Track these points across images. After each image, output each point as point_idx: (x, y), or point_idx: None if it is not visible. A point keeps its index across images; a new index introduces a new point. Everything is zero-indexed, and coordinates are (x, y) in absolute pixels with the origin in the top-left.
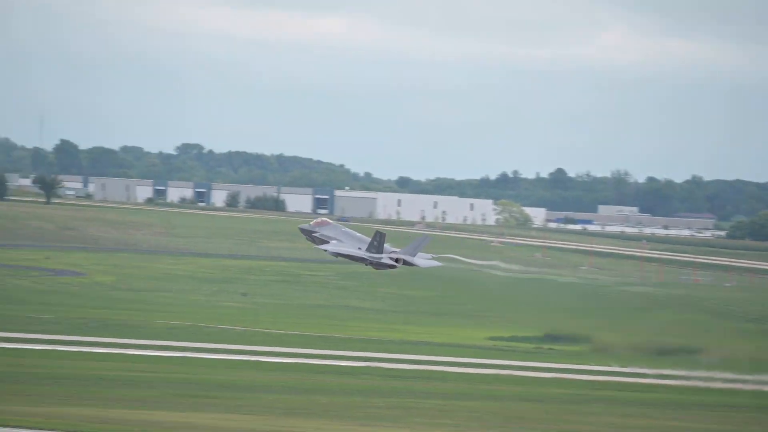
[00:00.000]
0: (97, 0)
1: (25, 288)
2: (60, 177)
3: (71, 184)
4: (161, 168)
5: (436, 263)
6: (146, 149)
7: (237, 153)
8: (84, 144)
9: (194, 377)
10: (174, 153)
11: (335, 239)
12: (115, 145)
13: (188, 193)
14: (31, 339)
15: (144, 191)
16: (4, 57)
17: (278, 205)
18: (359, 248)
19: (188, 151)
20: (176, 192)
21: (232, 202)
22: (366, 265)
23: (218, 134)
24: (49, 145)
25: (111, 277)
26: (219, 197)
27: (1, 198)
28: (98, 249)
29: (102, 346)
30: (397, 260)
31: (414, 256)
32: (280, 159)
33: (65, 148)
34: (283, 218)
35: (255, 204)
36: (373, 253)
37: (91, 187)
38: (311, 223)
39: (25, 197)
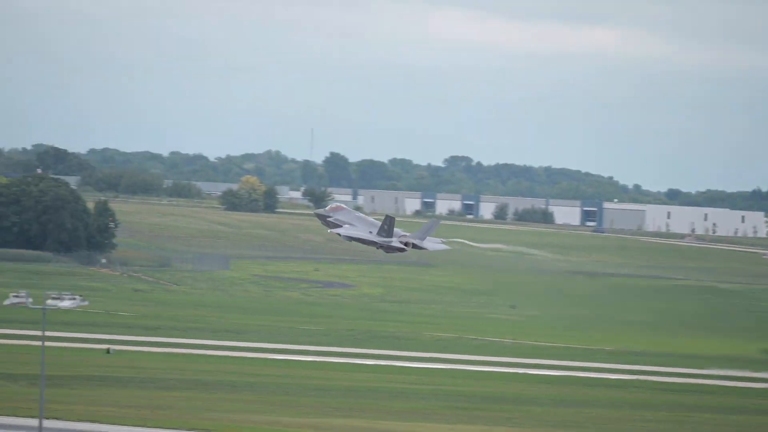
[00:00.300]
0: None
1: (295, 300)
2: (329, 189)
3: (340, 197)
4: (429, 180)
5: (444, 246)
6: (415, 162)
7: (505, 165)
8: (353, 157)
9: (462, 389)
10: (442, 165)
11: (348, 223)
12: (384, 157)
13: (456, 205)
14: (300, 350)
15: (412, 203)
16: (292, 75)
17: (546, 218)
18: (370, 232)
19: (457, 164)
20: (444, 204)
21: (500, 214)
22: (377, 248)
23: (486, 147)
24: (319, 157)
25: (379, 289)
26: (487, 209)
27: (271, 210)
28: (367, 261)
29: (370, 357)
30: (406, 244)
31: (423, 240)
32: (548, 171)
33: (335, 161)
34: (551, 231)
35: (523, 216)
36: (383, 236)
37: (360, 200)
38: (326, 208)
39: (295, 210)
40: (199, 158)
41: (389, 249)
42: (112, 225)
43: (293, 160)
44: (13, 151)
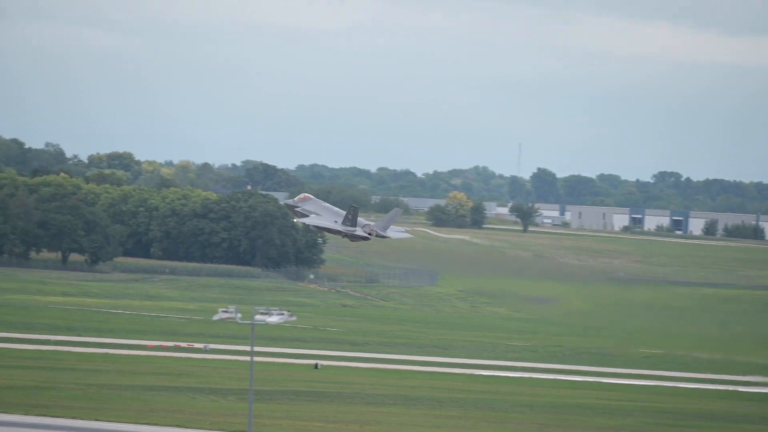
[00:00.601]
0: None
1: (502, 316)
2: (537, 205)
3: (548, 213)
4: (638, 196)
5: (407, 235)
6: (623, 177)
7: (715, 181)
8: (561, 172)
9: (670, 406)
10: (651, 181)
11: (314, 213)
12: (591, 173)
13: (665, 221)
14: (506, 366)
15: (620, 219)
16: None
17: (757, 234)
18: (336, 221)
19: (665, 179)
20: (653, 220)
21: (709, 230)
22: (342, 237)
23: (696, 162)
24: (526, 173)
25: (585, 305)
26: (696, 225)
27: (478, 226)
28: (573, 277)
29: (577, 374)
30: (370, 233)
31: (386, 229)
32: (759, 186)
33: (542, 177)
34: (762, 247)
35: (733, 232)
36: (347, 226)
37: (568, 215)
38: (295, 198)
39: (503, 225)
40: (407, 174)
41: (353, 237)
42: (320, 241)
43: (500, 176)
44: (222, 167)
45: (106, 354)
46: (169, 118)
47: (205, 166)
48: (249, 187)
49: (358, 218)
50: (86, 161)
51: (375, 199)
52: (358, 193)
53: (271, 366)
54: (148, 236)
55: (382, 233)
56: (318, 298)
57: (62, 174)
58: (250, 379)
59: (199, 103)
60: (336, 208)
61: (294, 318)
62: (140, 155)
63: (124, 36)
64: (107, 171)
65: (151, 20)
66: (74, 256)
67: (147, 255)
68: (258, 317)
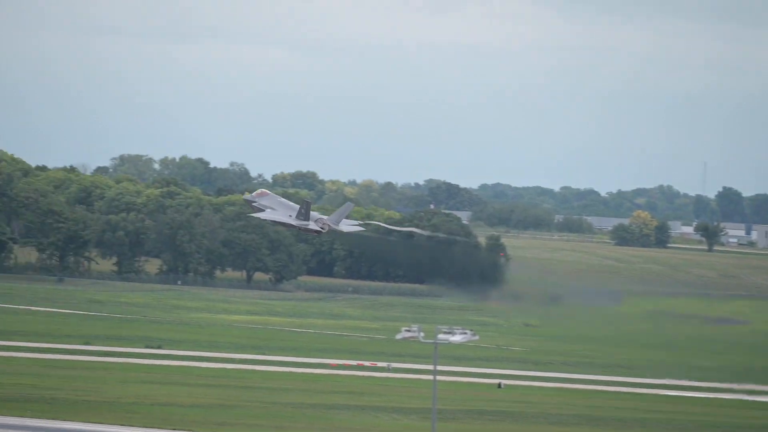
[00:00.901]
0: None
1: (686, 336)
2: (722, 224)
3: (733, 232)
4: None
5: (359, 228)
6: None
7: None
8: (747, 191)
9: None
10: None
11: (270, 208)
12: None
13: None
14: (692, 387)
15: None
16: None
17: None
18: (290, 216)
19: None
20: None
21: None
22: (297, 231)
23: None
24: (711, 192)
25: None
26: None
27: (663, 246)
28: (762, 296)
29: (765, 395)
30: (322, 226)
31: (338, 223)
32: None
33: (728, 196)
34: None
35: None
36: (301, 220)
37: (754, 235)
38: (253, 194)
39: (687, 245)
40: (590, 193)
41: (307, 231)
42: (503, 260)
43: (685, 195)
44: (405, 186)
45: (290, 372)
46: (353, 138)
47: (388, 186)
48: (432, 206)
49: (312, 213)
50: (270, 180)
51: (558, 218)
52: (542, 213)
53: (454, 385)
54: (332, 255)
55: (335, 227)
56: (501, 318)
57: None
58: (432, 398)
59: (383, 122)
60: (292, 204)
61: (477, 337)
62: (324, 174)
63: (311, 55)
64: (291, 190)
65: (346, 41)
66: (259, 275)
67: (330, 274)
68: (441, 336)
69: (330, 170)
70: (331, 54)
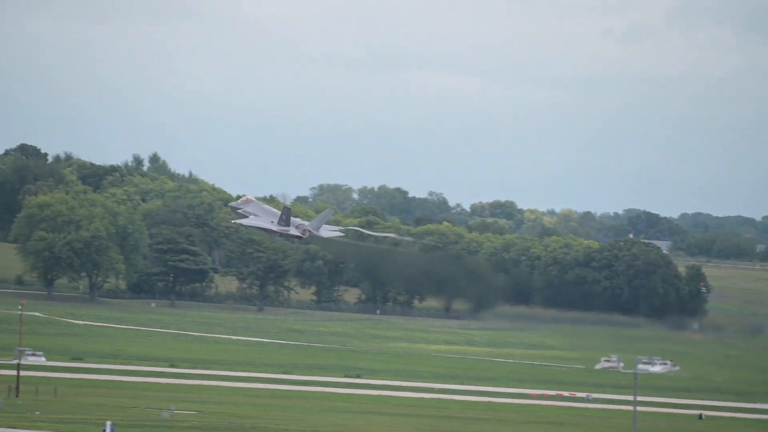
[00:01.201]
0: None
1: None
2: None
3: None
4: None
5: (339, 234)
6: None
7: None
8: None
9: None
10: None
11: (253, 214)
12: None
13: None
14: None
15: None
16: None
17: None
18: (272, 222)
19: None
20: None
21: None
22: (279, 236)
23: None
24: None
25: None
26: None
27: None
28: None
29: None
30: (303, 232)
31: (318, 228)
32: None
33: None
34: None
35: None
36: (282, 226)
37: None
38: (238, 201)
39: None
40: None
41: (288, 237)
42: (704, 290)
43: None
44: (604, 215)
45: (489, 402)
46: (552, 167)
47: (587, 215)
48: (631, 236)
49: (293, 219)
50: (469, 210)
51: (760, 248)
52: (743, 242)
53: (653, 416)
54: (530, 285)
55: (315, 232)
56: (702, 348)
57: (445, 223)
58: (633, 429)
59: (581, 151)
60: (275, 210)
61: (677, 368)
62: (522, 204)
63: (509, 84)
64: (490, 220)
65: (545, 71)
66: (457, 305)
67: (529, 303)
68: (641, 367)
69: (529, 199)
70: (523, 83)
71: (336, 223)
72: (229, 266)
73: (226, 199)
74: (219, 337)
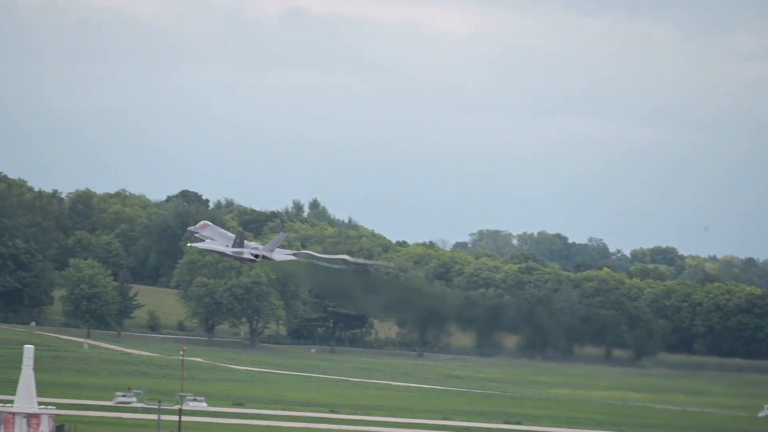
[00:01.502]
0: None
1: None
2: None
3: None
4: None
5: (291, 257)
6: None
7: None
8: None
9: None
10: None
11: (210, 238)
12: None
13: None
14: None
15: None
16: None
17: None
18: (227, 245)
19: None
20: None
21: None
22: (234, 260)
23: None
24: None
25: None
26: None
27: None
28: None
29: None
30: (256, 255)
31: (272, 251)
32: None
33: None
34: None
35: None
36: (236, 249)
37: None
38: (196, 225)
39: None
40: None
41: (242, 259)
42: None
43: None
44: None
45: None
46: (712, 213)
47: (749, 261)
48: None
49: (248, 242)
50: (629, 256)
51: None
52: None
53: None
54: (692, 331)
55: (268, 255)
56: None
57: (605, 269)
58: None
59: (746, 196)
60: (230, 234)
61: None
62: (684, 250)
63: (671, 129)
64: (650, 266)
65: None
66: (617, 351)
67: (690, 350)
68: None
69: (690, 245)
70: (680, 126)
71: (495, 269)
72: (389, 312)
73: (385, 244)
74: (379, 383)
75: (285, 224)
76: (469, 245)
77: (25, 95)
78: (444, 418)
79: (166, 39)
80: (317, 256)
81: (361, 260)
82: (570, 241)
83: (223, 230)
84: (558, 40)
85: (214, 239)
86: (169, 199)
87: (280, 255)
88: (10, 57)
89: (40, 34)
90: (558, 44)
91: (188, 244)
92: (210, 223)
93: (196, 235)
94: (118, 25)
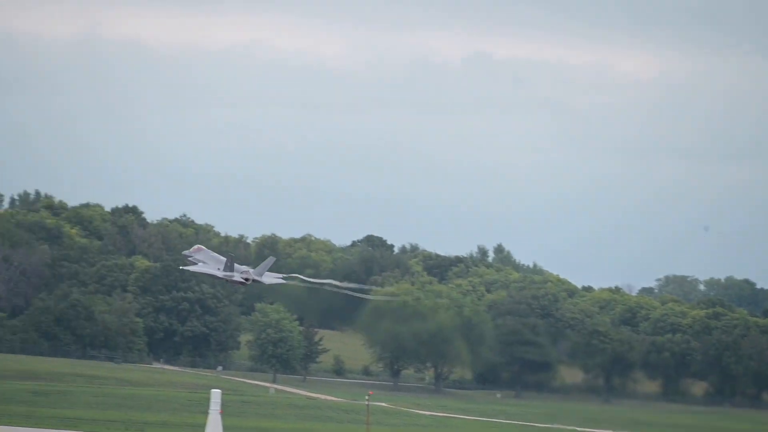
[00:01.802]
0: None
1: None
2: None
3: None
4: None
5: (280, 281)
6: None
7: None
8: None
9: None
10: None
11: (202, 262)
12: None
13: None
14: None
15: None
16: None
17: None
18: (218, 269)
19: None
20: None
21: None
22: (226, 282)
23: None
24: None
25: None
26: None
27: None
28: None
29: None
30: (246, 279)
31: (261, 275)
32: None
33: None
34: None
35: None
36: (227, 272)
37: None
38: (190, 249)
39: None
40: None
41: (232, 282)
42: None
43: None
44: None
45: None
46: None
47: None
48: None
49: (238, 266)
50: None
51: None
52: None
53: None
54: None
55: (258, 278)
56: None
57: None
58: None
59: None
60: (222, 258)
61: None
62: None
63: None
64: None
65: None
66: None
67: None
68: None
69: None
70: None
71: (682, 314)
72: (574, 357)
73: (571, 290)
74: (564, 428)
75: (470, 269)
76: (656, 290)
77: (203, 143)
78: None
79: (355, 84)
80: (306, 280)
81: (347, 285)
82: (758, 286)
83: (215, 254)
84: (747, 81)
85: (207, 263)
86: (353, 244)
87: (270, 278)
88: (229, 107)
89: (229, 78)
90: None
91: (180, 267)
92: (203, 247)
93: (190, 258)
94: (304, 71)
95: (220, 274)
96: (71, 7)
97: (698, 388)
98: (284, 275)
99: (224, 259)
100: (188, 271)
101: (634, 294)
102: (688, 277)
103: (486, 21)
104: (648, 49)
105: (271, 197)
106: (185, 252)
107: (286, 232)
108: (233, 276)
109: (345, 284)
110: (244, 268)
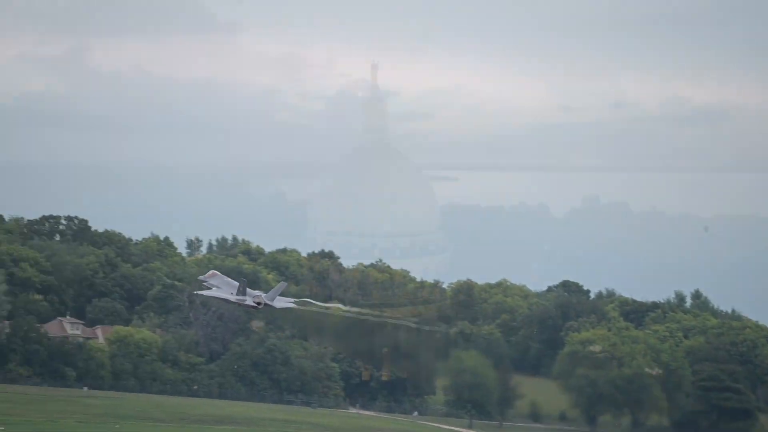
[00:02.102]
0: None
1: None
2: None
3: None
4: None
5: (291, 305)
6: None
7: None
8: None
9: None
10: None
11: (216, 287)
12: None
13: None
14: None
15: None
16: None
17: None
18: (232, 293)
19: None
20: None
21: None
22: (238, 306)
23: None
24: None
25: None
26: None
27: None
28: None
29: None
30: (258, 303)
31: (273, 299)
32: None
33: None
34: None
35: None
36: (239, 296)
37: None
38: (206, 274)
39: None
40: None
41: (245, 306)
42: None
43: None
44: None
45: None
46: None
47: None
48: None
49: (251, 291)
50: None
51: None
52: None
53: None
54: None
55: (270, 303)
56: None
57: None
58: None
59: None
60: (235, 282)
61: None
62: None
63: None
64: None
65: None
66: None
67: None
68: None
69: None
70: None
71: None
72: None
73: None
74: None
75: (667, 315)
76: None
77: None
78: None
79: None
80: (315, 304)
81: (355, 309)
82: None
83: (229, 279)
84: None
85: (220, 287)
86: (549, 289)
87: (281, 303)
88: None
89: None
90: None
91: (195, 292)
92: (217, 272)
93: (205, 283)
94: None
95: (233, 298)
96: None
97: None
98: (295, 299)
99: (236, 283)
100: (202, 295)
101: None
102: None
103: None
104: None
105: (466, 243)
106: (200, 277)
107: (481, 278)
108: (245, 300)
109: (351, 308)
110: (256, 292)
